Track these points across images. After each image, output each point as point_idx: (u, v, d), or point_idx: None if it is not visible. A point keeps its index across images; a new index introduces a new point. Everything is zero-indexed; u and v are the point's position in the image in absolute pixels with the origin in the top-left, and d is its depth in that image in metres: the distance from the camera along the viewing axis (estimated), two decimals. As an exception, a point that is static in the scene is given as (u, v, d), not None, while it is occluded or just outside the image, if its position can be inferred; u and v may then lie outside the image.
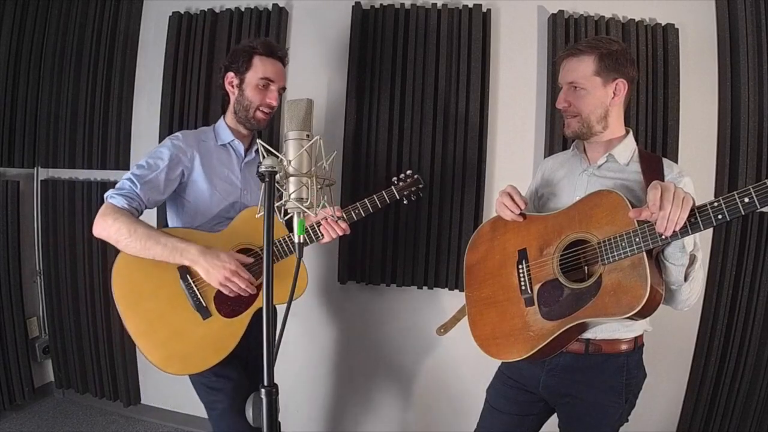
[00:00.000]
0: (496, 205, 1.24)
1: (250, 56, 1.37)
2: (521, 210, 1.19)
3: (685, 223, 0.89)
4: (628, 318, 0.97)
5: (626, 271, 0.98)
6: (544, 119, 1.82)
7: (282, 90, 1.43)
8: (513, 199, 1.18)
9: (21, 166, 2.25)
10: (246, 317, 1.32)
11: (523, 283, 1.17)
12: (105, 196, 1.28)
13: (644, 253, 0.96)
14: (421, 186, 1.48)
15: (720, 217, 0.86)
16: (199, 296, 1.29)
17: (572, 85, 1.16)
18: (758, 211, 1.68)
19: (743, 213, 0.84)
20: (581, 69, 1.14)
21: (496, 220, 1.29)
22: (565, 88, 1.19)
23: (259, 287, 1.29)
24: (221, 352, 1.27)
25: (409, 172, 1.48)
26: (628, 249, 0.98)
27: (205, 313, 1.29)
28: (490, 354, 1.20)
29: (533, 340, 1.10)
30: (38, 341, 2.38)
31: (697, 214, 0.89)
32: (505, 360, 1.19)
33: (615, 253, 1.00)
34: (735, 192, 0.84)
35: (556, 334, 1.06)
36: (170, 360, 1.26)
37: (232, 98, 1.42)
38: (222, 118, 1.46)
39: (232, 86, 1.40)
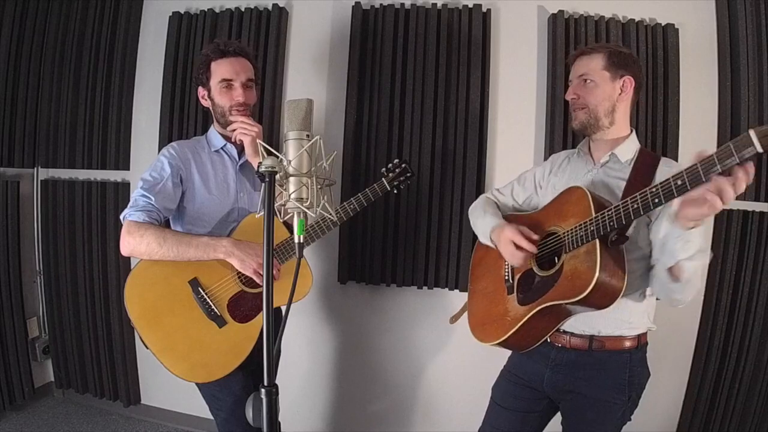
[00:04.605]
0: (507, 258, 1.22)
1: (207, 65, 1.37)
2: (534, 247, 1.17)
3: (629, 209, 0.97)
4: (582, 302, 1.03)
5: (582, 257, 1.06)
6: (544, 119, 1.82)
7: (249, 82, 1.40)
8: (522, 237, 1.17)
9: (21, 166, 2.25)
10: (259, 320, 1.35)
11: (507, 273, 1.27)
12: (122, 216, 1.29)
13: (597, 240, 1.02)
14: (409, 174, 1.50)
15: (656, 201, 0.92)
16: (213, 306, 1.32)
17: (582, 78, 1.21)
18: (757, 210, 1.69)
19: (676, 195, 0.89)
20: (592, 64, 1.20)
21: None
22: (576, 82, 1.23)
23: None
24: (241, 356, 1.32)
25: (396, 161, 1.50)
26: (583, 236, 1.05)
27: (220, 321, 1.33)
28: (478, 338, 1.29)
29: (509, 324, 1.18)
30: (38, 341, 2.38)
31: (638, 198, 0.96)
32: (488, 343, 1.24)
33: (574, 241, 1.07)
34: (671, 176, 0.90)
35: (526, 318, 1.14)
36: (194, 370, 1.31)
37: (211, 109, 1.43)
38: (212, 125, 1.48)
39: (205, 99, 1.42)
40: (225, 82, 1.36)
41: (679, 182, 0.88)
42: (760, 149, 0.77)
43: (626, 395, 1.17)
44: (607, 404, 1.17)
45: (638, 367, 1.19)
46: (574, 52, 1.27)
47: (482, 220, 1.34)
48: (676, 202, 0.95)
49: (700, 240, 0.93)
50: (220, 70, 1.36)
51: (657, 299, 1.22)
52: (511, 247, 1.17)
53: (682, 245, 0.93)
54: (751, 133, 0.77)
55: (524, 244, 1.15)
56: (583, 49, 1.23)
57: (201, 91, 1.42)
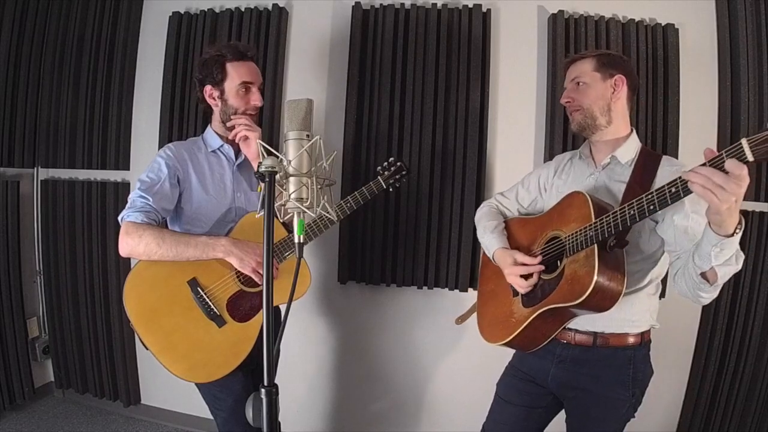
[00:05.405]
0: (520, 291, 1.24)
1: (222, 65, 1.35)
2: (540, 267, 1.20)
3: (626, 216, 0.99)
4: (581, 305, 1.05)
5: (581, 261, 1.08)
6: (544, 119, 1.82)
7: (261, 86, 1.42)
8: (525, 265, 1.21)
9: (21, 166, 2.25)
10: (259, 320, 1.35)
11: None
12: (120, 217, 1.29)
13: (596, 245, 1.05)
14: (404, 173, 1.51)
15: (652, 207, 0.96)
16: (212, 306, 1.32)
17: (575, 82, 1.24)
18: (757, 210, 1.69)
19: (670, 202, 0.93)
20: (583, 67, 1.23)
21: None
22: (569, 86, 1.26)
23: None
24: (241, 355, 1.32)
25: (391, 159, 1.51)
26: (583, 241, 1.08)
27: (219, 321, 1.33)
28: (486, 338, 1.32)
29: (514, 326, 1.21)
30: (38, 341, 2.38)
31: (635, 204, 0.98)
32: (494, 343, 1.27)
33: (575, 246, 1.10)
34: (665, 184, 0.93)
35: (530, 320, 1.16)
36: (194, 370, 1.31)
37: (216, 109, 1.41)
38: (209, 126, 1.47)
39: (214, 98, 1.39)
40: (244, 85, 1.36)
41: (673, 190, 0.91)
42: (751, 158, 0.78)
43: (630, 392, 1.18)
44: (611, 400, 1.19)
45: (642, 364, 1.20)
46: (566, 60, 1.31)
47: (484, 239, 1.38)
48: (687, 202, 0.98)
49: (735, 247, 0.92)
50: (240, 72, 1.35)
51: (660, 298, 1.23)
52: (520, 280, 1.20)
53: (717, 252, 0.91)
54: (743, 142, 0.78)
55: (533, 269, 1.19)
56: (574, 56, 1.27)
57: (210, 90, 1.39)
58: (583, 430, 1.25)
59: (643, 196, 0.97)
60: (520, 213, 1.44)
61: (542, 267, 1.19)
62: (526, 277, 1.20)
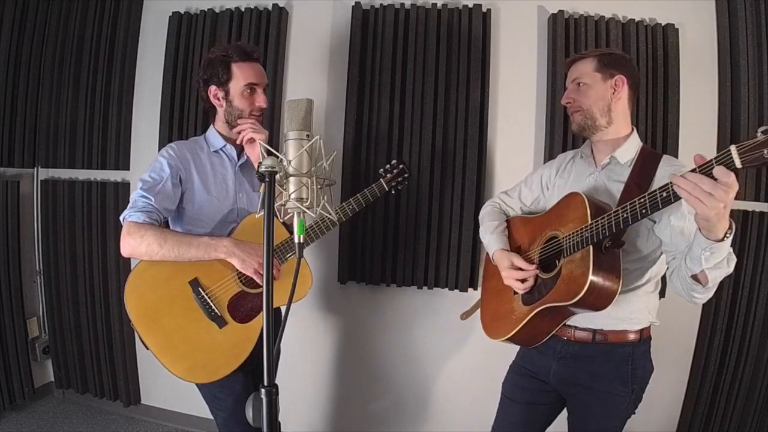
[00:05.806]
0: (508, 284, 1.28)
1: (227, 65, 1.34)
2: (532, 268, 1.23)
3: (619, 219, 1.00)
4: (577, 304, 1.07)
5: (577, 262, 1.10)
6: (544, 119, 1.82)
7: (267, 87, 1.42)
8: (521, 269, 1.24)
9: (21, 166, 2.25)
10: (259, 320, 1.35)
11: None
12: (121, 217, 1.29)
13: (591, 247, 1.06)
14: (406, 175, 1.52)
15: (644, 211, 0.97)
16: (213, 307, 1.33)
17: (576, 82, 1.24)
18: (757, 210, 1.69)
19: (661, 207, 0.93)
20: (583, 68, 1.24)
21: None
22: (570, 87, 1.26)
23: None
24: (241, 356, 1.32)
25: (394, 162, 1.52)
26: (579, 242, 1.09)
27: (220, 321, 1.33)
28: (489, 334, 1.34)
29: (514, 323, 1.23)
30: (38, 341, 2.38)
31: (628, 207, 0.99)
32: (497, 339, 1.30)
33: (571, 247, 1.12)
34: (657, 189, 0.94)
35: (529, 317, 1.19)
36: (194, 370, 1.31)
37: (221, 110, 1.40)
38: (211, 125, 1.46)
39: (218, 99, 1.38)
40: (250, 86, 1.35)
41: (664, 194, 0.92)
42: (739, 165, 0.79)
43: (629, 388, 1.19)
44: (611, 396, 1.19)
45: (641, 360, 1.21)
46: (567, 60, 1.31)
47: (485, 239, 1.41)
48: (684, 204, 0.98)
49: (726, 251, 0.93)
50: (245, 74, 1.35)
51: (661, 297, 1.24)
52: (517, 283, 1.24)
53: (707, 256, 0.92)
54: (732, 149, 0.80)
55: (528, 274, 1.22)
56: (576, 56, 1.27)
57: (215, 91, 1.37)
58: (584, 426, 1.26)
59: (636, 199, 0.98)
60: (524, 211, 1.45)
61: (537, 272, 1.22)
62: (522, 280, 1.22)
